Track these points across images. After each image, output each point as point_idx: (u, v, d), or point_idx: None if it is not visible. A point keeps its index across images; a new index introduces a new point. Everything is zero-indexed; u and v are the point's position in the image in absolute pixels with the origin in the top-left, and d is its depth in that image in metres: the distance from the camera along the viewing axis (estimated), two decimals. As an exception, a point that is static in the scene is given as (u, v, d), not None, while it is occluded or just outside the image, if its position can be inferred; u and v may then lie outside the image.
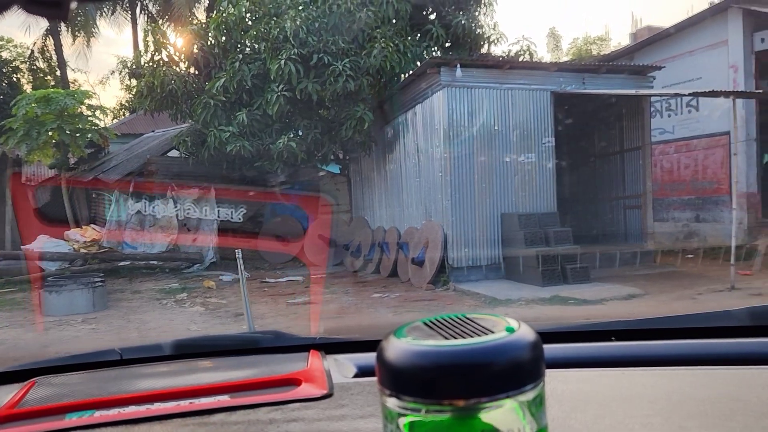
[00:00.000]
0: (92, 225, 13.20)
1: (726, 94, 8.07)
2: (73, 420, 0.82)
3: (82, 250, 12.25)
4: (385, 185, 11.89)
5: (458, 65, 9.21)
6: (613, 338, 1.05)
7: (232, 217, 13.27)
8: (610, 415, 0.73)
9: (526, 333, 0.42)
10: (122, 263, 12.23)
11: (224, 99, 10.79)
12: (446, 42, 12.24)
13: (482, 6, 12.55)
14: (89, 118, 13.53)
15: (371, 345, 1.04)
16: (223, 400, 0.87)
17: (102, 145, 14.96)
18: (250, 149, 10.70)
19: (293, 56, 9.87)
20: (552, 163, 9.78)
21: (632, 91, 9.22)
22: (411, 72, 10.27)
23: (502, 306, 7.75)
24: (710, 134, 11.45)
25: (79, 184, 14.11)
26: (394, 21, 10.82)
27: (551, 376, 0.47)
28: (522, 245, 9.11)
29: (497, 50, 13.40)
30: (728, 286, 7.94)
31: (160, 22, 19.53)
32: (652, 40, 12.79)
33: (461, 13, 11.97)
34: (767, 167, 11.70)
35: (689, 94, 8.88)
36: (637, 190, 10.61)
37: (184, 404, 0.86)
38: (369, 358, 0.97)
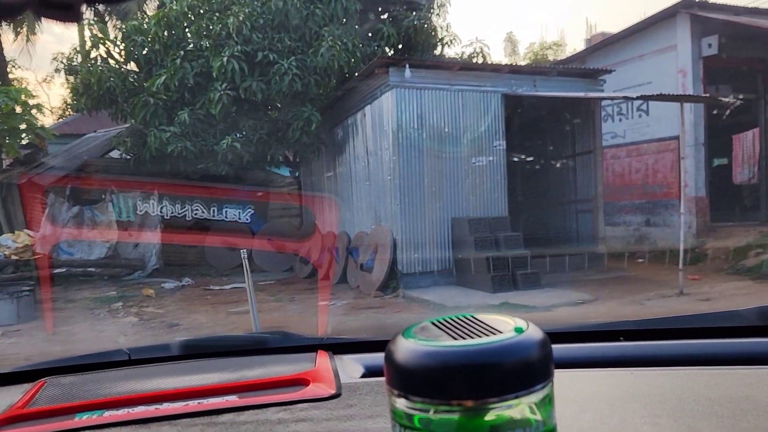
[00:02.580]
0: (26, 230, 12.47)
1: (673, 97, 8.02)
2: (82, 420, 0.82)
3: (14, 257, 11.53)
4: (336, 188, 11.56)
5: (407, 65, 8.96)
6: (621, 338, 1.05)
7: (176, 222, 12.72)
8: (619, 416, 0.73)
9: (534, 333, 0.42)
10: (57, 270, 11.56)
11: (165, 98, 10.30)
12: (399, 43, 12.01)
13: (435, 7, 12.37)
14: (24, 118, 12.79)
15: (379, 345, 1.04)
16: (232, 400, 0.87)
17: (39, 146, 14.20)
18: (192, 150, 10.24)
19: (236, 53, 9.46)
20: (503, 166, 9.61)
21: (581, 94, 9.13)
22: (360, 72, 9.97)
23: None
24: (660, 138, 11.49)
25: (14, 186, 13.33)
26: (343, 20, 10.52)
27: (560, 376, 0.45)
28: (472, 250, 8.90)
29: (451, 52, 13.28)
30: (677, 291, 7.87)
31: (108, 19, 18.78)
32: (604, 44, 12.81)
33: (413, 13, 11.76)
34: (716, 171, 11.80)
35: (637, 98, 8.82)
36: (589, 194, 10.54)
37: (193, 404, 0.86)
38: (377, 358, 0.97)
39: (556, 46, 30.39)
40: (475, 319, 0.45)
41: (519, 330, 0.42)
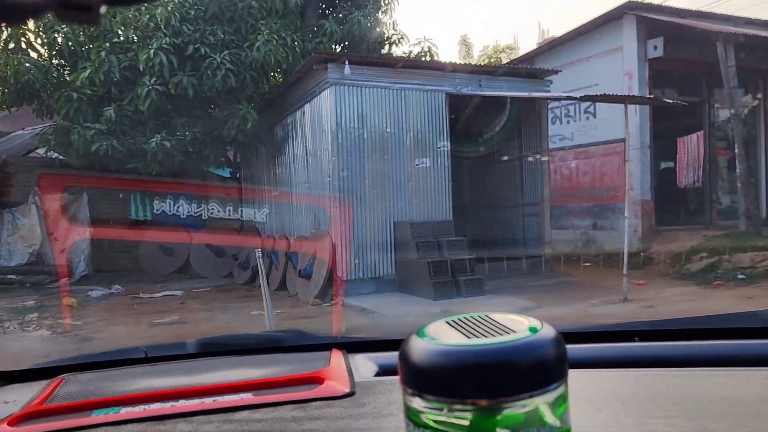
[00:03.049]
0: (-60, 234, 11.53)
1: (617, 98, 7.83)
2: (99, 416, 0.82)
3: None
4: (276, 190, 11.04)
5: (347, 62, 8.53)
6: (636, 339, 1.04)
7: (106, 226, 11.97)
8: (634, 416, 0.71)
9: (549, 333, 0.42)
10: (-28, 278, 10.72)
11: (90, 92, 9.60)
12: (343, 40, 11.58)
13: (382, 4, 11.99)
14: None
15: (393, 344, 1.04)
16: (247, 397, 0.86)
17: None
18: (120, 149, 9.57)
19: (165, 46, 8.86)
20: (448, 168, 9.28)
21: (525, 94, 8.88)
22: (298, 68, 9.48)
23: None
24: (607, 141, 11.36)
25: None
26: (282, 13, 10.02)
27: (574, 376, 0.45)
28: (415, 256, 8.53)
29: (398, 51, 12.92)
30: (621, 297, 7.67)
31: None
32: (552, 45, 12.66)
33: (359, 10, 11.34)
34: (662, 174, 11.75)
35: (580, 98, 8.62)
36: (536, 198, 10.31)
37: (208, 401, 0.85)
38: (391, 357, 0.97)
39: (510, 49, 30.49)
40: (489, 318, 0.45)
41: (533, 329, 0.42)
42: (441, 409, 0.39)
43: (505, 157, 10.85)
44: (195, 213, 12.43)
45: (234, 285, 11.17)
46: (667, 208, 11.44)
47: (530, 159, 10.27)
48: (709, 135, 11.35)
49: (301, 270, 9.13)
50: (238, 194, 12.83)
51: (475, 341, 0.41)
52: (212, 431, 0.77)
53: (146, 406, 0.85)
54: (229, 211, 12.60)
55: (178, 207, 12.34)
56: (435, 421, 0.40)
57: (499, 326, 0.43)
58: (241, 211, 12.81)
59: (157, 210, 12.40)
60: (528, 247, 10.31)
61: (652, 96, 9.08)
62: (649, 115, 10.87)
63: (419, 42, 12.72)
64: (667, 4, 11.41)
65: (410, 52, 12.68)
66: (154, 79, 9.12)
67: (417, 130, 9.10)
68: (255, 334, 2.20)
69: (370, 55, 10.02)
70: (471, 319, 0.46)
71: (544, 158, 10.02)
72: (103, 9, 0.39)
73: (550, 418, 0.40)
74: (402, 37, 12.88)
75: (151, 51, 8.82)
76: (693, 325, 1.08)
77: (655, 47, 10.64)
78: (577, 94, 9.00)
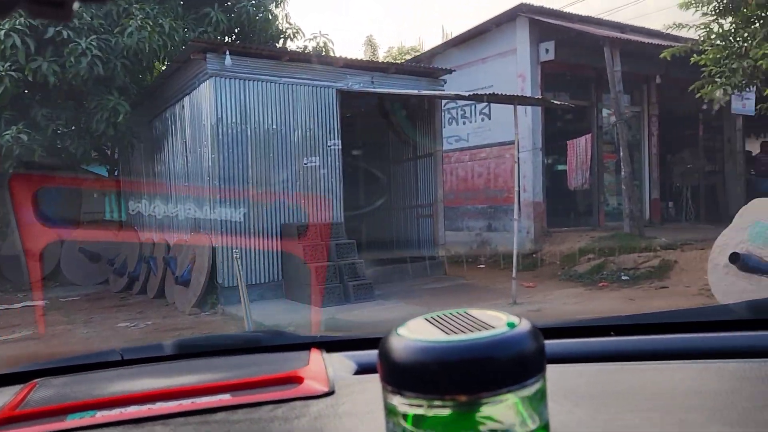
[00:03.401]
0: None
1: (505, 98, 7.71)
2: (74, 421, 0.81)
3: None
4: (155, 190, 10.20)
5: (227, 52, 7.91)
6: (612, 333, 1.04)
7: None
8: (611, 410, 0.72)
9: (526, 328, 0.42)
10: None
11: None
12: (231, 31, 10.92)
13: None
14: None
15: (373, 342, 1.04)
16: (225, 398, 0.85)
17: None
18: (-33, 143, 8.44)
19: (19, 27, 7.88)
20: (339, 168, 8.88)
21: (414, 91, 8.64)
22: (175, 58, 8.75)
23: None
24: (501, 143, 11.37)
25: None
26: (160, -2, 9.24)
27: (552, 371, 0.46)
28: (302, 260, 8.05)
29: (293, 46, 12.40)
30: (510, 300, 7.56)
31: None
32: (448, 45, 12.57)
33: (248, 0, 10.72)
34: (554, 176, 11.92)
35: (467, 97, 8.48)
36: (431, 199, 10.12)
37: (186, 403, 0.83)
38: (371, 355, 0.99)
39: (415, 51, 30.61)
40: (468, 314, 0.46)
41: (511, 325, 0.42)
42: (420, 406, 0.39)
43: (400, 157, 10.60)
44: (66, 214, 11.32)
45: (108, 293, 10.22)
46: (559, 209, 11.61)
47: (424, 159, 10.06)
48: (598, 138, 11.62)
49: (179, 276, 8.42)
50: (116, 194, 11.83)
51: (453, 337, 0.41)
52: None
53: (123, 410, 0.84)
54: (106, 212, 11.58)
55: (46, 207, 11.19)
56: (415, 418, 0.40)
57: (478, 322, 0.43)
58: (119, 212, 11.82)
59: (24, 217, 11.19)
60: (422, 249, 10.10)
61: (540, 97, 9.08)
62: (542, 117, 10.96)
63: (315, 37, 12.27)
64: (559, 8, 11.56)
65: (305, 47, 12.19)
66: (8, 64, 8.10)
67: (306, 128, 8.63)
68: (233, 334, 2.08)
69: (259, 47, 9.42)
70: (449, 315, 0.46)
71: (438, 158, 9.83)
72: (75, 5, 0.38)
73: (528, 412, 0.40)
74: (297, 32, 12.37)
75: (2, 32, 7.81)
76: (668, 319, 1.11)
77: (547, 50, 10.74)
78: (463, 93, 8.87)
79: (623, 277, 8.44)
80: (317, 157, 8.72)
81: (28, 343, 6.66)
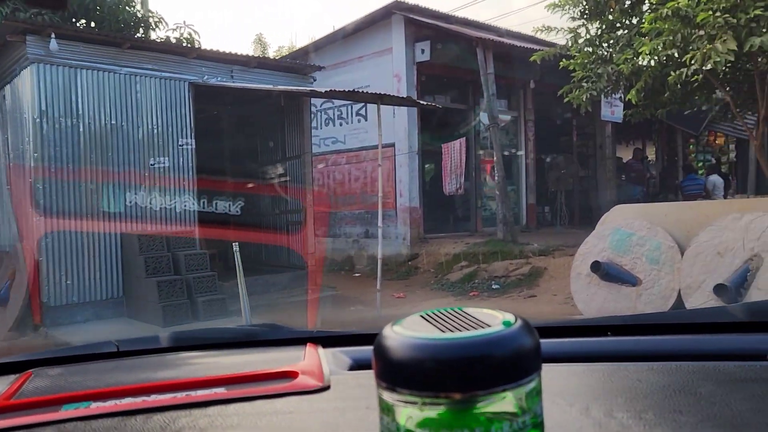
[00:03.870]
0: None
1: (369, 97, 7.20)
2: (69, 411, 0.80)
3: None
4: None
5: (53, 35, 6.84)
6: (609, 333, 1.04)
7: None
8: (606, 409, 0.71)
9: (523, 327, 0.42)
10: None
11: None
12: (76, 16, 9.70)
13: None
14: None
15: (368, 338, 0.86)
16: (219, 392, 0.84)
17: None
18: None
19: None
20: (192, 170, 8.01)
21: (270, 87, 7.93)
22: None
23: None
24: (376, 146, 10.87)
25: None
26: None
27: (547, 370, 0.46)
28: (143, 274, 7.13)
29: (154, 36, 11.33)
30: (375, 313, 7.06)
31: None
32: (323, 43, 11.95)
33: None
34: (431, 181, 11.61)
35: (324, 94, 7.91)
36: (300, 204, 9.43)
37: (180, 396, 0.83)
38: (366, 351, 0.93)
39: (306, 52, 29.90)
40: (464, 312, 0.45)
41: (507, 323, 0.42)
42: (415, 403, 0.39)
43: (268, 160, 9.85)
44: None
45: None
46: (436, 215, 11.31)
47: (293, 161, 9.38)
48: (475, 143, 11.43)
49: (-4, 295, 7.23)
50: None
51: (449, 335, 0.40)
52: (184, 426, 0.73)
53: (117, 401, 0.82)
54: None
55: None
56: (409, 415, 0.40)
57: (474, 320, 0.43)
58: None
59: None
60: (291, 258, 9.41)
61: (407, 97, 8.66)
62: (418, 120, 10.61)
63: (178, 27, 11.29)
64: (436, 8, 11.27)
65: (167, 37, 11.17)
66: None
67: (152, 125, 7.70)
68: (229, 328, 2.05)
69: (92, 31, 8.35)
70: (445, 313, 0.46)
71: (307, 161, 9.18)
72: None
73: (523, 411, 0.40)
74: (160, 21, 11.33)
75: None
76: (664, 320, 1.15)
77: (423, 51, 10.40)
78: (320, 89, 8.30)
79: (494, 286, 8.17)
80: (166, 158, 7.80)
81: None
